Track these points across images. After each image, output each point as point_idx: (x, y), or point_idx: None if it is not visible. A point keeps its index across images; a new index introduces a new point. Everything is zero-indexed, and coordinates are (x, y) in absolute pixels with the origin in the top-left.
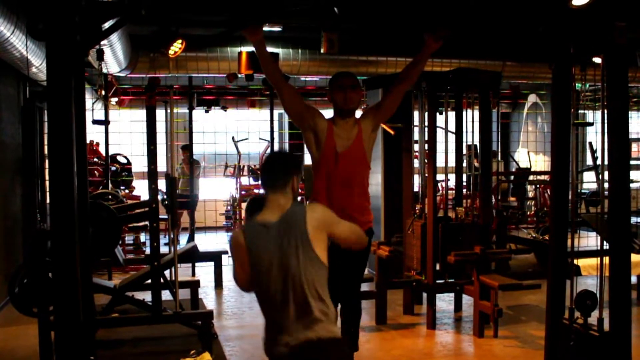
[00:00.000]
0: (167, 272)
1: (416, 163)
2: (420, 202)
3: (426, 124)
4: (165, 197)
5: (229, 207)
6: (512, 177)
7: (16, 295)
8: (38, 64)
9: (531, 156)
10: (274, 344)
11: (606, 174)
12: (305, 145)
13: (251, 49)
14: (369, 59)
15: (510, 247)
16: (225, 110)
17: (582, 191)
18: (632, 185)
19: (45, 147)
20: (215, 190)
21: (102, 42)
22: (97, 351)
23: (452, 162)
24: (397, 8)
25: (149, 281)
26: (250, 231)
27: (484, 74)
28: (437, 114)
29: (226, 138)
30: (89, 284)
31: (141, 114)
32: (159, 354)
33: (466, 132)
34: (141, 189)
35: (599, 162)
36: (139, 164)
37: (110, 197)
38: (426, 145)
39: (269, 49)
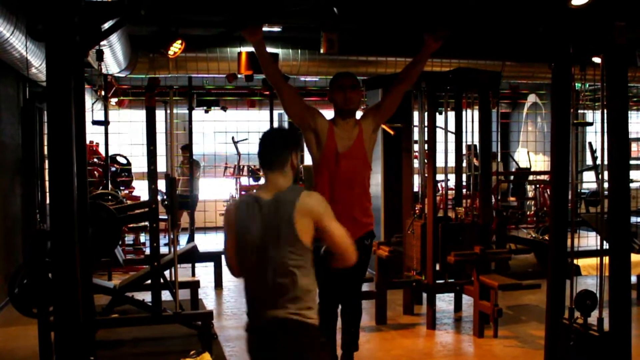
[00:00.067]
0: (167, 273)
1: (416, 163)
2: (420, 202)
3: (426, 124)
4: (165, 197)
5: None
6: (511, 177)
7: (16, 295)
8: (38, 65)
9: (531, 156)
10: (248, 318)
11: (606, 173)
12: (305, 145)
13: (251, 49)
14: (368, 59)
15: (510, 247)
16: (225, 111)
17: (582, 191)
18: (632, 185)
19: (45, 148)
20: (215, 191)
21: (101, 43)
22: (97, 351)
23: (451, 162)
24: (396, 8)
25: (149, 281)
26: (241, 208)
27: (484, 74)
28: (437, 114)
29: (226, 138)
30: (88, 285)
31: (141, 114)
32: (158, 355)
33: (466, 132)
34: (141, 189)
35: (598, 162)
36: (139, 165)
37: (110, 197)
38: (426, 145)
39: (269, 49)
